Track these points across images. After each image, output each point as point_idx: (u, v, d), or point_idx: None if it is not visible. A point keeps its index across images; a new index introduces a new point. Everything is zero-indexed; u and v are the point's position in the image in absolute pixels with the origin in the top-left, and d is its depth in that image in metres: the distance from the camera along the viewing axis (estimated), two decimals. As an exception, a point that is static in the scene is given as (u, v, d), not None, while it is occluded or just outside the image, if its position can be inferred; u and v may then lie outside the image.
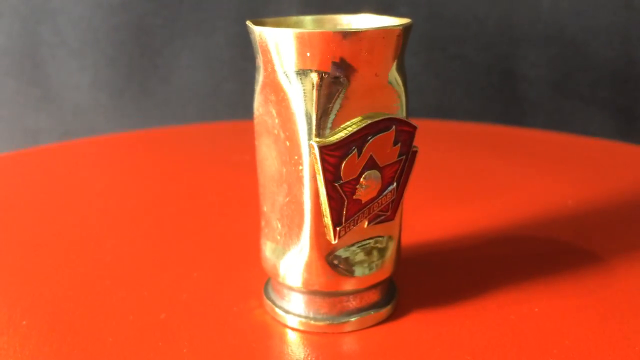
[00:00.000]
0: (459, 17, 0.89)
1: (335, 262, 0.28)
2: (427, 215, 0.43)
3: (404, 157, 0.28)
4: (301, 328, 0.30)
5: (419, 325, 0.30)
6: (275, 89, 0.27)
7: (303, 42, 0.25)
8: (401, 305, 0.32)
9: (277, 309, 0.31)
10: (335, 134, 0.26)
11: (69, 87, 0.93)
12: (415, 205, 0.44)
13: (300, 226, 0.28)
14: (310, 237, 0.28)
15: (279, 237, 0.29)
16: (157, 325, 0.30)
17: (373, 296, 0.30)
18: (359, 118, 0.26)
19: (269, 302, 0.31)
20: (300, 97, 0.26)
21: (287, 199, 0.28)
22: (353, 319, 0.30)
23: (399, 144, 0.27)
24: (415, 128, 0.28)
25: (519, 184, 0.49)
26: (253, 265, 0.35)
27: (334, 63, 0.25)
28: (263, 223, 0.30)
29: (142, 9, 0.90)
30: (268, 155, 0.28)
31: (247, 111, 0.28)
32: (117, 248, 0.39)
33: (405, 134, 0.27)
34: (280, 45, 0.26)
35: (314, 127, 0.26)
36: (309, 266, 0.28)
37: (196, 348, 0.29)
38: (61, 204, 0.47)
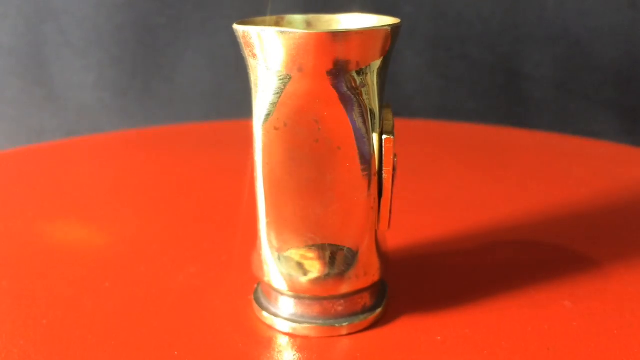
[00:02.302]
0: (463, 16, 0.89)
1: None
2: (423, 218, 0.43)
3: None
4: (291, 332, 0.29)
5: (410, 329, 0.30)
6: (319, 95, 0.26)
7: (363, 39, 0.25)
8: (392, 309, 0.31)
9: (266, 313, 0.30)
10: (386, 125, 0.27)
11: (72, 86, 0.93)
12: (410, 207, 0.44)
13: (348, 231, 0.28)
14: (369, 238, 0.28)
15: (311, 249, 0.28)
16: (145, 328, 0.30)
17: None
18: (381, 108, 0.28)
19: (258, 306, 0.31)
20: (362, 96, 0.26)
21: (333, 206, 0.27)
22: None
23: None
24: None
25: (517, 187, 0.49)
26: (243, 269, 0.35)
27: (378, 59, 0.26)
28: (275, 236, 0.29)
29: (146, 8, 0.90)
30: (295, 170, 0.27)
31: (251, 111, 0.28)
32: (114, 247, 0.39)
33: None
34: (337, 47, 0.25)
35: (377, 123, 0.27)
36: (363, 265, 0.29)
37: (185, 352, 0.28)
38: (61, 202, 0.47)
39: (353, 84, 0.26)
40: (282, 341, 0.29)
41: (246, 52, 0.26)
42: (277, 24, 0.30)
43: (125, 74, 0.93)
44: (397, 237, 0.37)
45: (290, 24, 0.30)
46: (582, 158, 0.56)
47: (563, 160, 0.55)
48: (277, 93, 0.26)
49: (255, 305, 0.31)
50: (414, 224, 0.41)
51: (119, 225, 0.43)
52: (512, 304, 0.32)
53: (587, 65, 0.88)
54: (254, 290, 0.33)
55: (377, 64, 0.26)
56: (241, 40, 0.26)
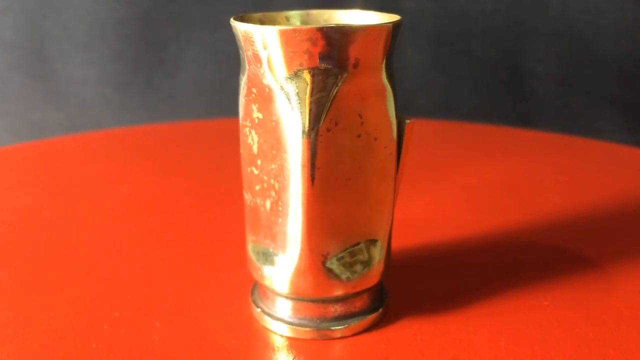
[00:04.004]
0: (466, 12, 0.88)
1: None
2: (422, 219, 0.42)
3: None
4: (288, 334, 0.29)
5: (409, 332, 0.29)
6: (367, 89, 0.26)
7: (395, 30, 0.26)
8: (391, 312, 0.31)
9: (264, 315, 0.30)
10: None
11: (74, 81, 0.93)
12: (410, 208, 0.43)
13: (382, 222, 0.29)
14: (391, 225, 0.30)
15: (355, 248, 0.28)
16: (142, 329, 0.30)
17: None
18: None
19: (255, 307, 0.31)
20: (393, 85, 0.27)
21: (371, 200, 0.28)
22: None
23: None
24: None
25: (518, 188, 0.48)
26: (240, 269, 0.35)
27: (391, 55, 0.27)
28: (321, 241, 0.28)
29: (148, 3, 0.90)
30: (340, 170, 0.26)
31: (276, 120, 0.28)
32: (111, 245, 0.39)
33: None
34: (384, 39, 0.25)
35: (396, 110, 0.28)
36: (386, 255, 0.29)
37: (181, 353, 0.28)
38: (60, 199, 0.46)
39: (388, 75, 0.27)
40: (279, 343, 0.29)
41: (284, 53, 0.24)
42: (274, 21, 0.30)
43: (127, 69, 0.93)
44: (396, 239, 0.37)
45: (287, 20, 0.30)
46: (584, 159, 0.56)
47: (566, 161, 0.55)
48: (332, 92, 0.25)
49: (253, 307, 0.31)
50: (413, 226, 0.41)
51: (118, 224, 0.42)
52: (513, 307, 0.31)
53: (590, 61, 0.87)
54: (250, 291, 0.32)
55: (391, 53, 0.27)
56: (292, 42, 0.24)
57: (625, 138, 0.87)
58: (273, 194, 0.27)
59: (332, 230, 0.27)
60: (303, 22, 0.30)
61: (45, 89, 0.93)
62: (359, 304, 0.30)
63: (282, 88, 0.25)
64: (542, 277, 0.34)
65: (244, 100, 0.27)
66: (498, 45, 0.89)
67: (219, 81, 0.92)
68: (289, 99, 0.25)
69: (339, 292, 0.28)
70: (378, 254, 0.29)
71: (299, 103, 0.25)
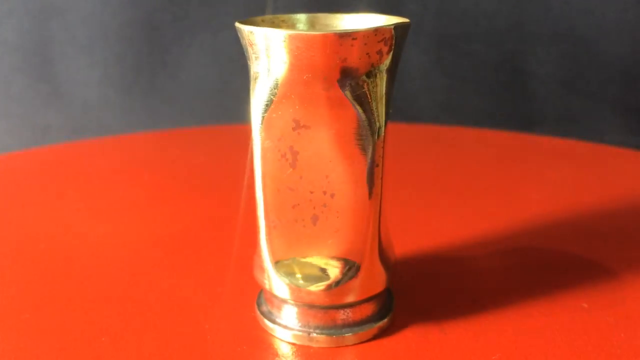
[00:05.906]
0: (468, 14, 0.88)
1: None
2: (428, 224, 0.42)
3: None
4: (295, 342, 0.29)
5: (416, 339, 0.29)
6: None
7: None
8: (398, 319, 0.31)
9: (269, 322, 0.30)
10: None
11: (78, 83, 0.93)
12: (415, 214, 0.43)
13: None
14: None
15: (390, 244, 0.29)
16: (146, 335, 0.30)
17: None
18: None
19: (261, 315, 0.30)
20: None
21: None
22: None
23: None
24: None
25: (524, 192, 0.48)
26: (246, 276, 0.35)
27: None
28: (390, 241, 0.28)
29: (151, 5, 0.90)
30: (383, 168, 0.26)
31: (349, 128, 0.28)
32: (114, 251, 0.39)
33: None
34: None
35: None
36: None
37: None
38: (61, 205, 0.47)
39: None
40: (285, 351, 0.29)
41: (359, 55, 0.23)
42: (272, 23, 0.29)
43: (130, 71, 0.93)
44: (402, 245, 0.37)
45: (290, 22, 0.30)
46: (587, 161, 0.55)
47: (569, 165, 0.54)
48: (393, 90, 0.26)
49: (258, 314, 0.31)
50: (419, 232, 0.41)
51: (121, 228, 0.42)
52: (521, 313, 0.31)
53: (592, 63, 0.87)
54: (256, 297, 0.32)
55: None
56: (370, 43, 0.23)
57: (628, 140, 0.86)
58: (324, 206, 0.26)
59: (390, 228, 0.28)
60: (310, 26, 0.30)
61: (49, 91, 0.94)
62: (366, 311, 0.29)
63: (352, 92, 0.24)
64: (549, 283, 0.34)
65: (272, 113, 0.25)
66: (500, 47, 0.89)
67: (222, 83, 0.93)
68: (360, 103, 0.24)
69: (380, 288, 0.29)
70: (390, 254, 0.30)
71: (372, 105, 0.24)
